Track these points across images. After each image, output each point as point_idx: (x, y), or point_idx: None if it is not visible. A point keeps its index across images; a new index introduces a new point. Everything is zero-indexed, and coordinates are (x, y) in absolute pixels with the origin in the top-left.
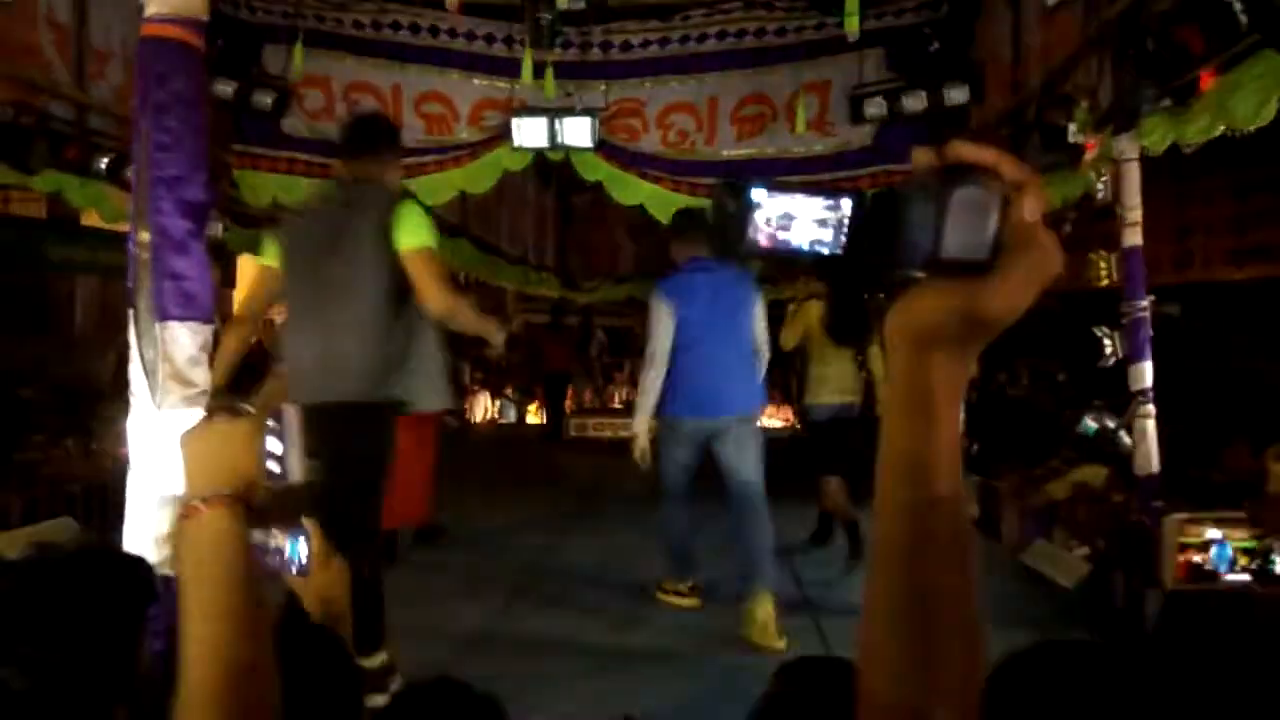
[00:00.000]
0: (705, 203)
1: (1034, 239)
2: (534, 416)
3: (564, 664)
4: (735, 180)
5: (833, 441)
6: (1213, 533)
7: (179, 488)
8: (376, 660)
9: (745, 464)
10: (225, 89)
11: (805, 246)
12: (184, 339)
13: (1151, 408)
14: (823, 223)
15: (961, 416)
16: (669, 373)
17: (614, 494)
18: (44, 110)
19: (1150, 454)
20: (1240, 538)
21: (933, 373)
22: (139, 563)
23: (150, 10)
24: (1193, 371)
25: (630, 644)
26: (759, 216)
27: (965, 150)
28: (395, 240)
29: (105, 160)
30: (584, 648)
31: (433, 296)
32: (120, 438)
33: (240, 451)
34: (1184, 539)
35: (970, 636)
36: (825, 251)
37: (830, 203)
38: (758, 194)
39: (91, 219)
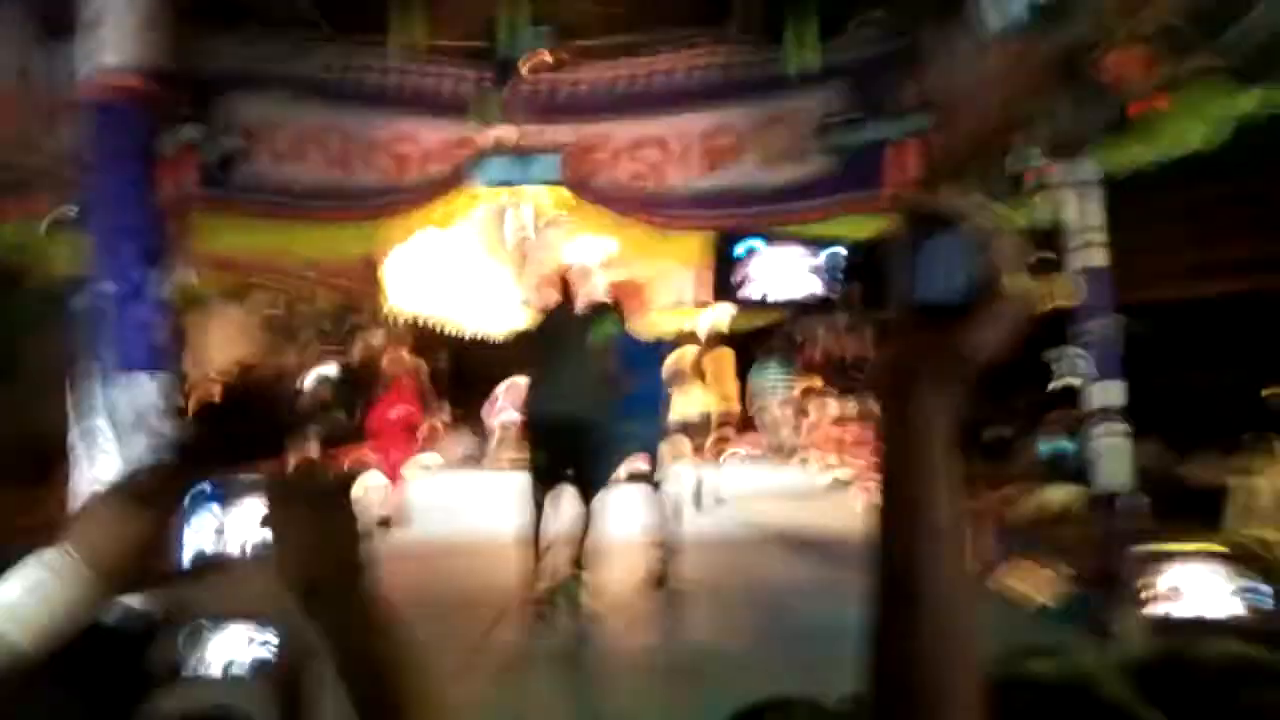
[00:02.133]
0: (674, 237)
1: (1006, 280)
2: (512, 454)
3: None
4: (731, 233)
5: None
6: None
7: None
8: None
9: None
10: (191, 134)
11: (800, 294)
12: (147, 389)
13: (1122, 425)
14: (816, 271)
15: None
16: None
17: None
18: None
19: (1118, 471)
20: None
21: (917, 412)
22: (148, 625)
23: (102, 61)
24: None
25: None
26: (755, 267)
27: (938, 201)
28: None
29: (60, 210)
30: None
31: None
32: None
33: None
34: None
35: (970, 663)
36: (816, 297)
37: (824, 253)
38: (753, 245)
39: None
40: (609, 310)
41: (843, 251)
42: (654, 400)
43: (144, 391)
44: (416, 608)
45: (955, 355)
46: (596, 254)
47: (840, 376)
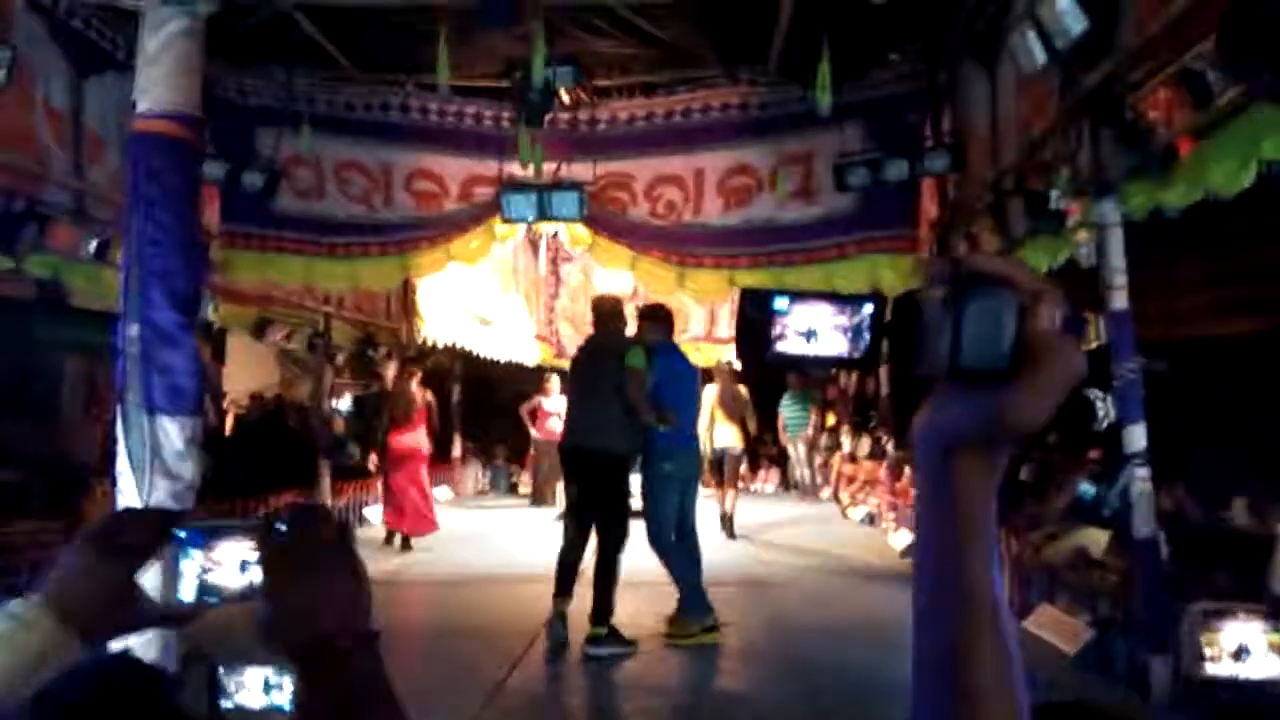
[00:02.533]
0: (691, 274)
1: (1053, 346)
2: (524, 486)
3: None
4: (759, 290)
5: None
6: (1239, 633)
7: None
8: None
9: None
10: (216, 170)
11: (827, 353)
12: (172, 432)
13: (1147, 470)
14: (844, 330)
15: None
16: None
17: None
18: (34, 196)
19: (1147, 516)
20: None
21: (960, 479)
22: (161, 676)
23: (143, 106)
24: (1185, 428)
25: None
26: (781, 324)
27: (980, 261)
28: None
29: (94, 243)
30: None
31: None
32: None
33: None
34: (1208, 637)
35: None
36: (845, 355)
37: (851, 308)
38: (780, 302)
39: (80, 299)
40: (638, 342)
41: (871, 309)
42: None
43: (167, 435)
44: (435, 638)
45: (999, 427)
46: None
47: (860, 414)
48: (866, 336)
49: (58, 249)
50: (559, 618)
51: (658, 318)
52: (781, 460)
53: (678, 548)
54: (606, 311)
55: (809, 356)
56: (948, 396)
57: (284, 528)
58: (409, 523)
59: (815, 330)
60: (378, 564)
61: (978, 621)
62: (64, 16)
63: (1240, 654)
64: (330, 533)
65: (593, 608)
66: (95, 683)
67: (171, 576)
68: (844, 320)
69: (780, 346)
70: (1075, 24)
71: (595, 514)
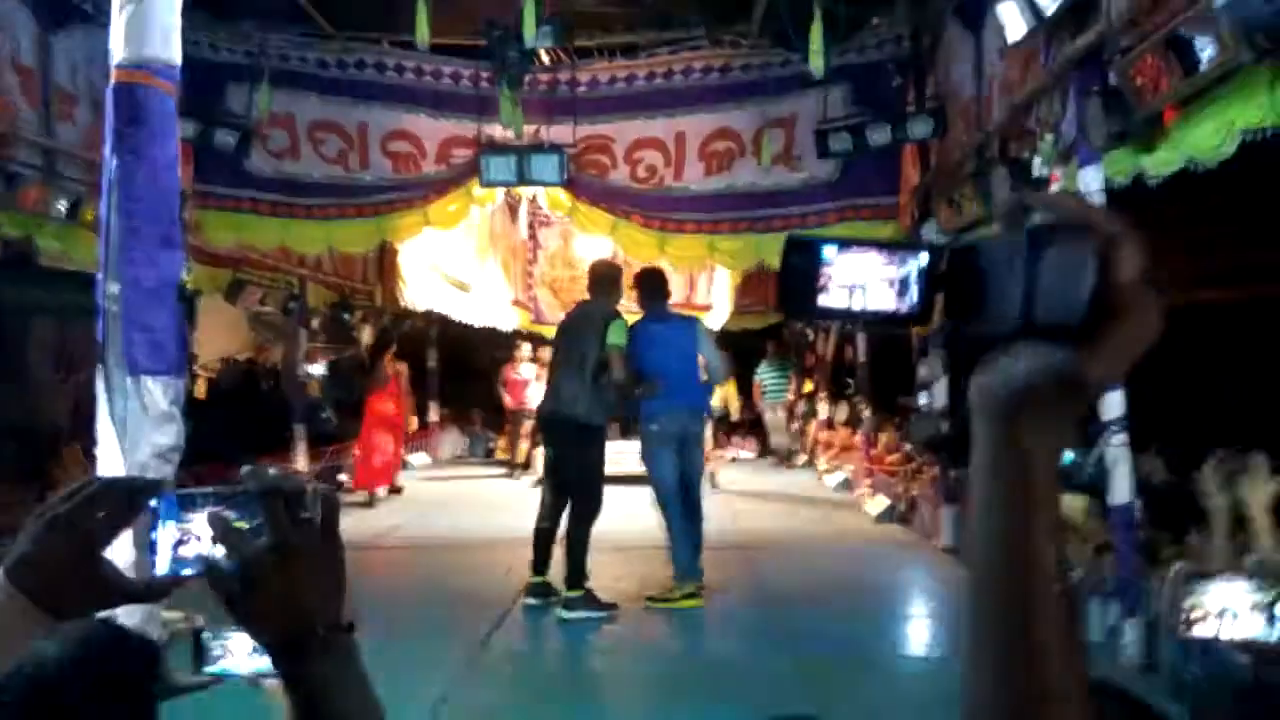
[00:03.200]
0: (672, 237)
1: (1133, 300)
2: (502, 453)
3: None
4: (804, 238)
5: None
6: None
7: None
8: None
9: None
10: (187, 128)
11: (875, 308)
12: (156, 393)
13: (1124, 436)
14: (892, 282)
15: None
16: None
17: None
18: (3, 155)
19: (1125, 483)
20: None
21: (1026, 440)
22: (147, 645)
23: (120, 56)
24: (1163, 394)
25: None
26: (827, 276)
27: (1056, 201)
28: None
29: (65, 203)
30: None
31: None
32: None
33: None
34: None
35: (1079, 688)
36: (896, 311)
37: (900, 258)
38: (828, 251)
39: (49, 259)
40: (618, 316)
41: (925, 258)
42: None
43: (150, 395)
44: (418, 604)
45: (1075, 385)
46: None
47: (838, 381)
48: (915, 290)
49: (27, 208)
50: (533, 589)
51: (643, 285)
52: (756, 426)
53: (675, 505)
54: (598, 277)
55: (854, 311)
56: (1015, 354)
57: (264, 508)
58: (372, 476)
59: (862, 283)
60: (359, 526)
61: (1043, 585)
62: None
63: (1222, 614)
64: (310, 515)
65: (566, 571)
66: (76, 654)
67: (144, 548)
68: (892, 271)
69: (823, 300)
70: None
71: (568, 481)
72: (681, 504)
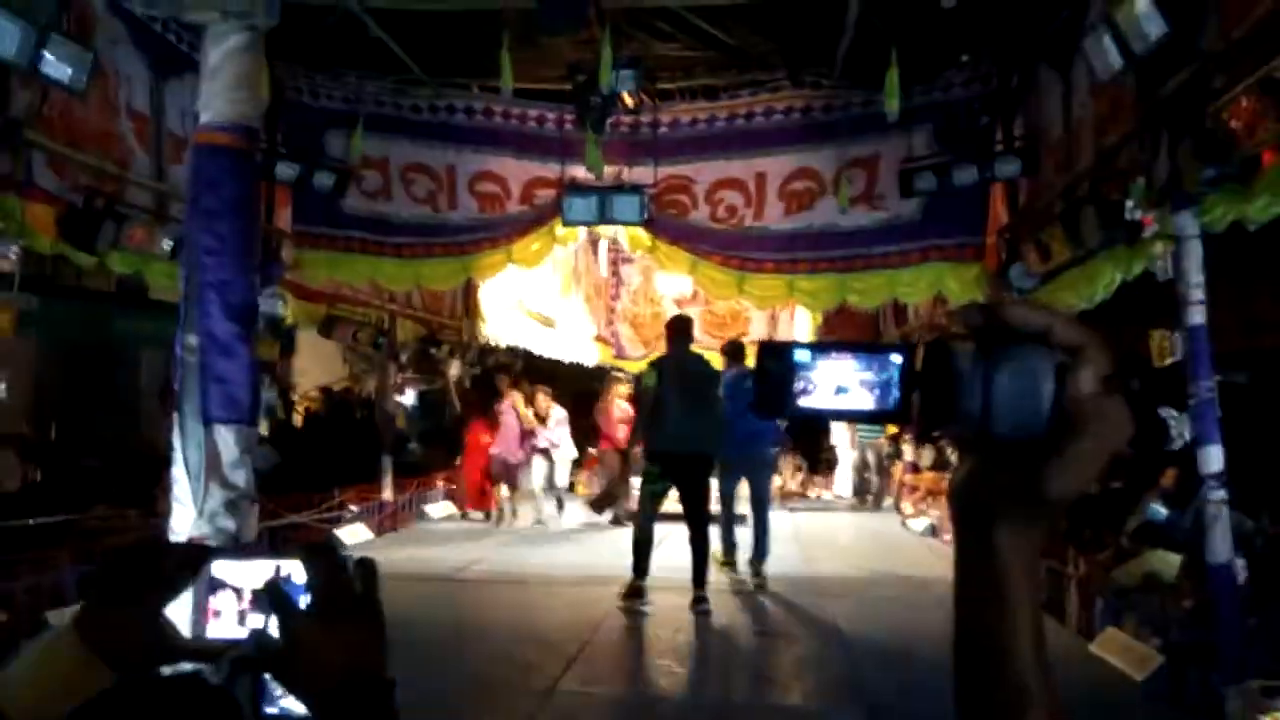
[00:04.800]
0: (752, 277)
1: (1093, 411)
2: (583, 488)
3: None
4: (777, 342)
5: None
6: None
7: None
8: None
9: None
10: (288, 171)
11: (850, 409)
12: (227, 442)
13: (1223, 493)
14: (871, 384)
15: (1039, 587)
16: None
17: None
18: (115, 195)
19: (1224, 541)
20: None
21: (1000, 552)
22: (228, 696)
23: (204, 118)
24: (1268, 446)
25: None
26: (803, 378)
27: (1014, 312)
28: None
29: (169, 242)
30: None
31: None
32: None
33: None
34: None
35: None
36: (872, 411)
37: (878, 361)
38: (801, 354)
39: (158, 292)
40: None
41: (900, 360)
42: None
43: (224, 444)
44: (492, 637)
45: (1038, 497)
46: (679, 292)
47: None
48: (896, 391)
49: (135, 247)
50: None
51: (733, 354)
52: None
53: (727, 514)
54: (684, 329)
55: (835, 410)
56: (982, 460)
57: (309, 574)
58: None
59: (840, 385)
60: (443, 558)
61: (1028, 702)
62: (145, 20)
63: None
64: (353, 580)
65: (698, 575)
66: (163, 703)
67: (202, 610)
68: (871, 375)
69: (804, 401)
70: (1154, 28)
71: (697, 505)
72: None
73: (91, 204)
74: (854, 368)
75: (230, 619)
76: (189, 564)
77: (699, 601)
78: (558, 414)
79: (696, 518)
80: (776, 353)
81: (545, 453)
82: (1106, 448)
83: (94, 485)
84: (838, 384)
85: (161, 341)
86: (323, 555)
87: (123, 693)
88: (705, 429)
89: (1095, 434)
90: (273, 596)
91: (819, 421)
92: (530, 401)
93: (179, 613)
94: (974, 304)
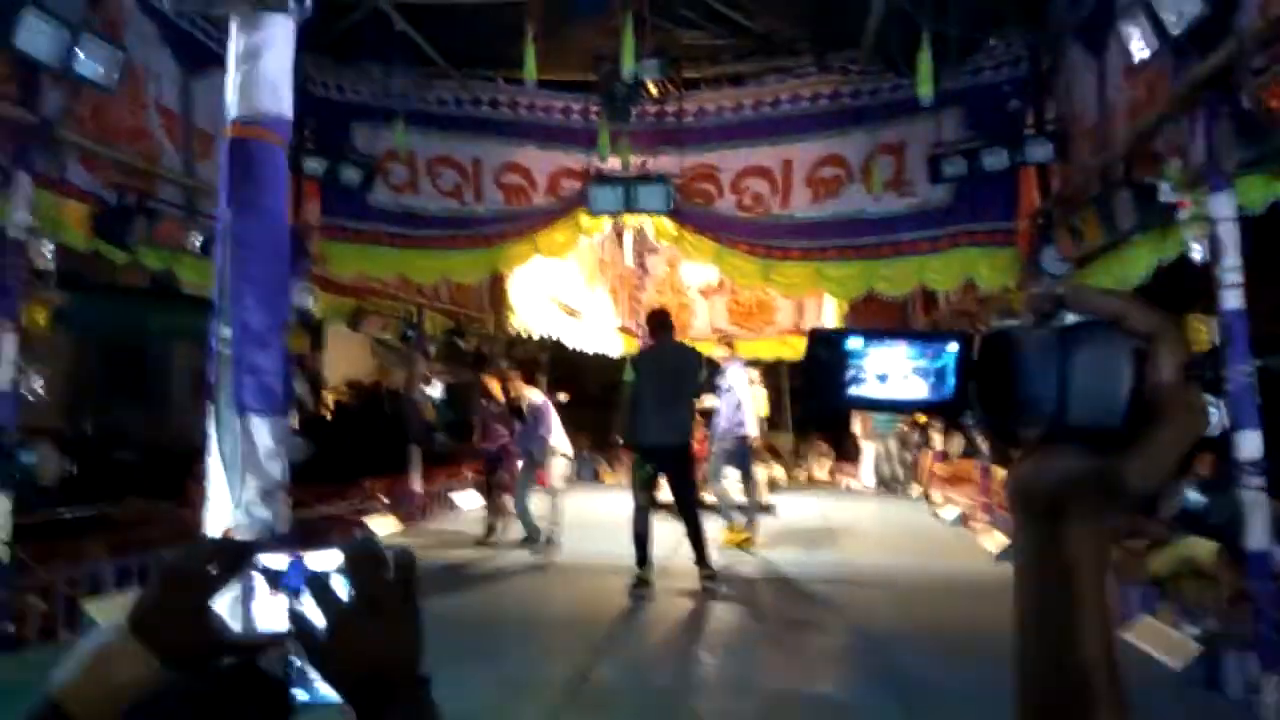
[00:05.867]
0: (778, 264)
1: (1174, 401)
2: (609, 478)
3: None
4: (829, 330)
5: None
6: None
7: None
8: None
9: None
10: (315, 166)
11: (903, 398)
12: (263, 432)
13: (1261, 479)
14: (924, 372)
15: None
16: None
17: None
18: (145, 191)
19: (1261, 528)
20: None
21: (1069, 546)
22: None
23: (235, 111)
24: None
25: None
26: (855, 367)
27: (1089, 297)
28: None
29: (200, 237)
30: None
31: None
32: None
33: None
34: None
35: None
36: (925, 400)
37: (932, 349)
38: (853, 342)
39: (190, 287)
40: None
41: (956, 348)
42: None
43: (258, 434)
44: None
45: (1116, 491)
46: (704, 280)
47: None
48: (951, 380)
49: (166, 243)
50: (643, 583)
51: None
52: (853, 456)
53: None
54: (663, 322)
55: (887, 400)
56: (1052, 453)
57: (350, 567)
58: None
59: (892, 373)
60: (474, 551)
61: (1089, 688)
62: (173, 18)
63: None
64: (391, 576)
65: (701, 558)
66: (223, 689)
67: (247, 605)
68: (924, 363)
69: (854, 390)
70: (1190, 7)
71: (677, 492)
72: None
73: (123, 200)
74: (907, 355)
75: (276, 612)
76: (236, 558)
77: (707, 579)
78: (534, 399)
79: (685, 504)
80: (828, 340)
81: (529, 453)
82: (1187, 439)
83: (128, 478)
84: (890, 372)
85: (193, 336)
86: (363, 548)
87: (182, 687)
88: (681, 420)
89: (1177, 424)
90: (314, 588)
91: (842, 411)
92: (505, 386)
93: (226, 606)
94: (1046, 290)
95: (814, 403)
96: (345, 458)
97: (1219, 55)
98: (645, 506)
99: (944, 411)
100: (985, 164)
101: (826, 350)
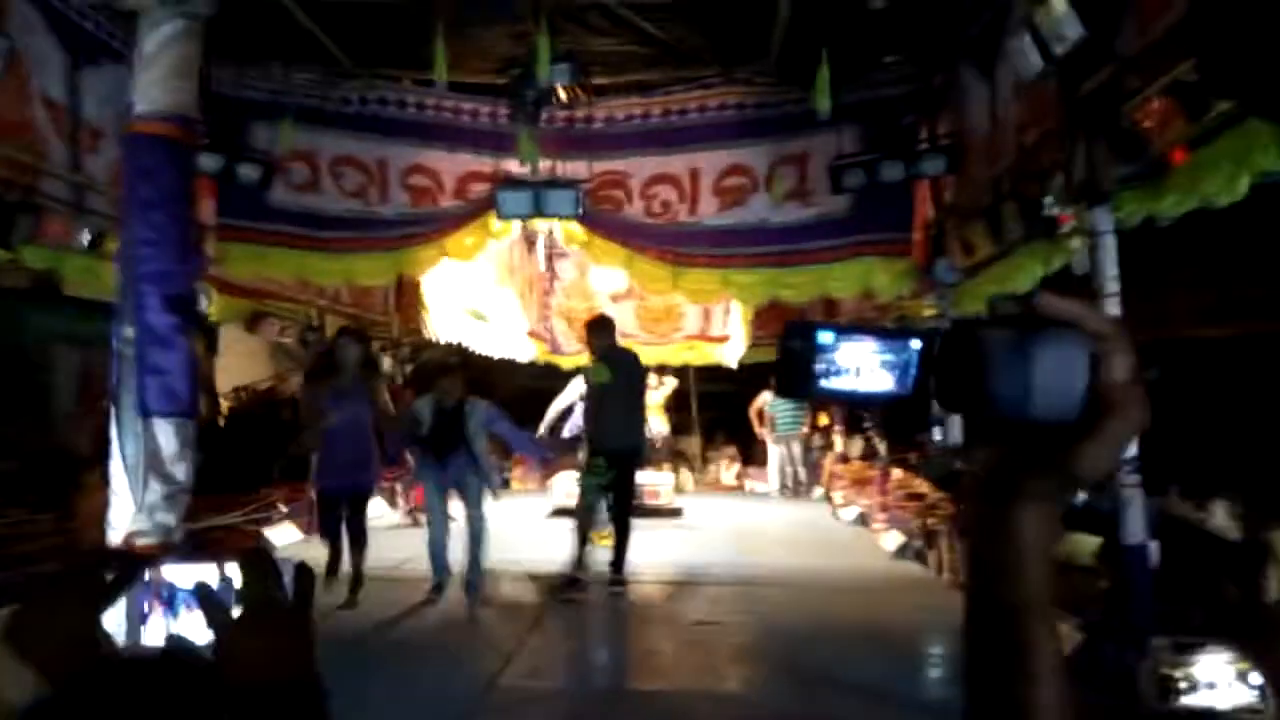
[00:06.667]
0: (686, 271)
1: (1126, 396)
2: (519, 482)
3: None
4: (804, 322)
5: None
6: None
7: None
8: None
9: None
10: (211, 163)
11: (874, 390)
12: (167, 434)
13: (1136, 477)
14: (890, 366)
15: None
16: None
17: None
18: (30, 186)
19: (1137, 523)
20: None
21: (1023, 529)
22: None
23: (140, 107)
24: (1175, 433)
25: None
26: (825, 359)
27: (1054, 304)
28: None
29: (88, 235)
30: None
31: None
32: (99, 514)
33: None
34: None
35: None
36: (891, 393)
37: (898, 345)
38: (825, 336)
39: (74, 289)
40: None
41: (918, 345)
42: None
43: (163, 437)
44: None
45: (1068, 476)
46: (614, 286)
47: (853, 415)
48: (913, 374)
49: (52, 240)
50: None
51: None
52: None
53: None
54: (610, 327)
55: (856, 393)
56: (1010, 444)
57: (241, 578)
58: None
59: (860, 367)
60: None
61: (1038, 674)
62: (60, 6)
63: (1211, 685)
64: (283, 588)
65: (618, 560)
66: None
67: (135, 617)
68: (891, 357)
69: (825, 382)
70: (1071, 30)
71: (625, 498)
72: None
73: (5, 196)
74: (874, 350)
75: (164, 624)
76: (123, 571)
77: (617, 585)
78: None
79: (626, 509)
80: (801, 333)
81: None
82: (1134, 431)
83: (9, 488)
84: (859, 365)
85: (78, 340)
86: (254, 560)
87: (95, 681)
88: (639, 423)
89: (1127, 418)
90: (201, 600)
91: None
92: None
93: (114, 619)
94: (1012, 296)
95: (790, 391)
96: (242, 466)
97: (1100, 77)
98: (593, 507)
99: (907, 403)
100: (883, 176)
101: (801, 343)
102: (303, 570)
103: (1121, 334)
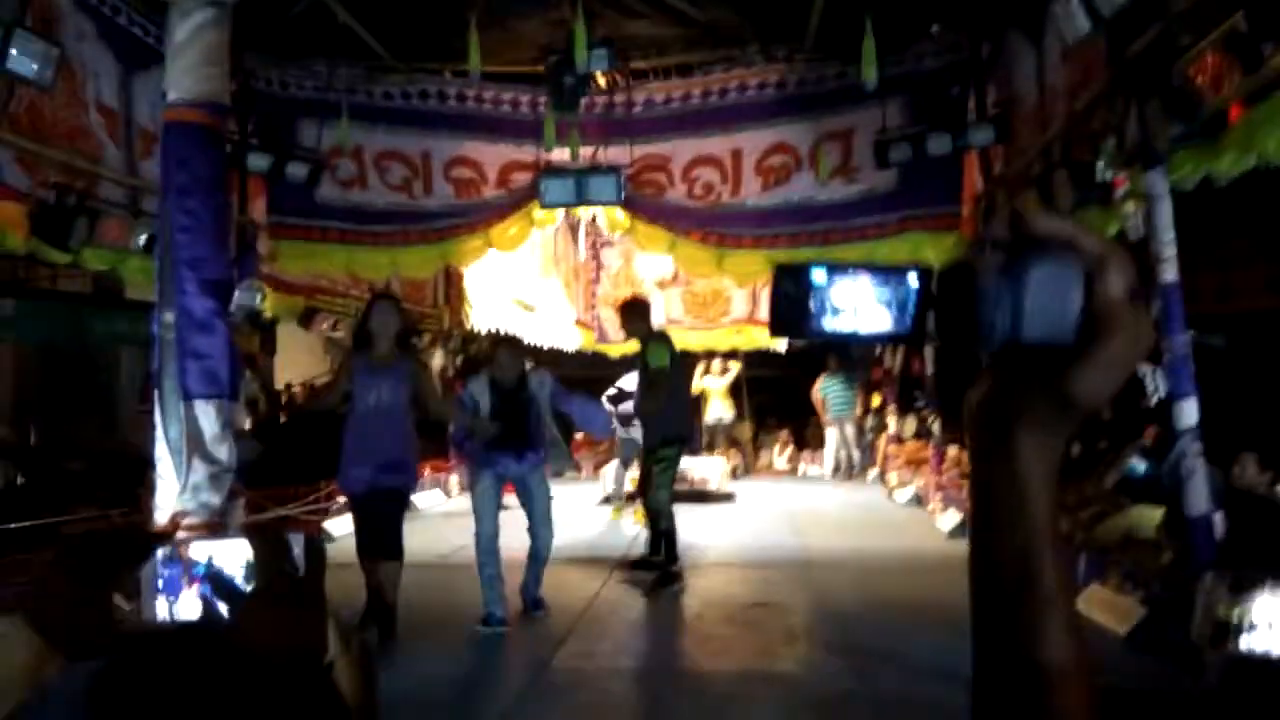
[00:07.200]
0: (731, 253)
1: (1122, 318)
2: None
3: None
4: (795, 264)
5: None
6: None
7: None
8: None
9: None
10: (260, 162)
11: (868, 330)
12: (209, 416)
13: (1199, 445)
14: (888, 303)
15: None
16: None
17: None
18: (86, 191)
19: (1201, 493)
20: None
21: (1021, 458)
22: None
23: (172, 95)
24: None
25: None
26: (820, 299)
27: (1042, 223)
28: None
29: (144, 236)
30: None
31: None
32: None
33: None
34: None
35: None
36: (889, 332)
37: (894, 281)
38: (818, 275)
39: (135, 291)
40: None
41: (915, 280)
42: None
43: (204, 419)
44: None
45: (1065, 401)
46: (660, 272)
47: (906, 394)
48: (911, 311)
49: (110, 243)
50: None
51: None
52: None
53: None
54: (646, 311)
55: (851, 333)
56: (1006, 371)
57: (253, 557)
58: None
59: (856, 306)
60: (427, 546)
61: (1045, 606)
62: (110, 14)
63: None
64: (296, 567)
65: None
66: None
67: (151, 593)
68: (887, 294)
69: (822, 322)
70: None
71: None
72: None
73: (63, 200)
74: (870, 286)
75: (187, 601)
76: (138, 549)
77: (673, 572)
78: None
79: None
80: (793, 274)
81: None
82: (1133, 354)
83: (77, 488)
84: (855, 304)
85: (139, 341)
86: (265, 539)
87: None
88: (689, 410)
89: (1125, 339)
90: (213, 580)
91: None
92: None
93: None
94: (1003, 214)
95: (782, 332)
96: (302, 459)
97: (1149, 35)
98: (672, 499)
99: (904, 341)
100: (930, 149)
101: (793, 284)
102: (312, 544)
103: (1117, 252)
